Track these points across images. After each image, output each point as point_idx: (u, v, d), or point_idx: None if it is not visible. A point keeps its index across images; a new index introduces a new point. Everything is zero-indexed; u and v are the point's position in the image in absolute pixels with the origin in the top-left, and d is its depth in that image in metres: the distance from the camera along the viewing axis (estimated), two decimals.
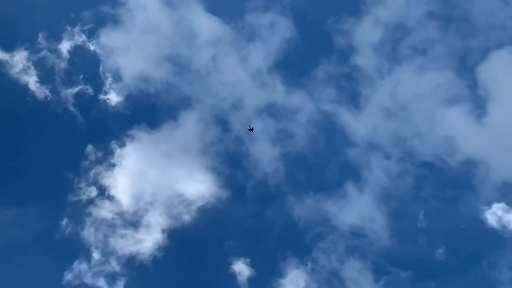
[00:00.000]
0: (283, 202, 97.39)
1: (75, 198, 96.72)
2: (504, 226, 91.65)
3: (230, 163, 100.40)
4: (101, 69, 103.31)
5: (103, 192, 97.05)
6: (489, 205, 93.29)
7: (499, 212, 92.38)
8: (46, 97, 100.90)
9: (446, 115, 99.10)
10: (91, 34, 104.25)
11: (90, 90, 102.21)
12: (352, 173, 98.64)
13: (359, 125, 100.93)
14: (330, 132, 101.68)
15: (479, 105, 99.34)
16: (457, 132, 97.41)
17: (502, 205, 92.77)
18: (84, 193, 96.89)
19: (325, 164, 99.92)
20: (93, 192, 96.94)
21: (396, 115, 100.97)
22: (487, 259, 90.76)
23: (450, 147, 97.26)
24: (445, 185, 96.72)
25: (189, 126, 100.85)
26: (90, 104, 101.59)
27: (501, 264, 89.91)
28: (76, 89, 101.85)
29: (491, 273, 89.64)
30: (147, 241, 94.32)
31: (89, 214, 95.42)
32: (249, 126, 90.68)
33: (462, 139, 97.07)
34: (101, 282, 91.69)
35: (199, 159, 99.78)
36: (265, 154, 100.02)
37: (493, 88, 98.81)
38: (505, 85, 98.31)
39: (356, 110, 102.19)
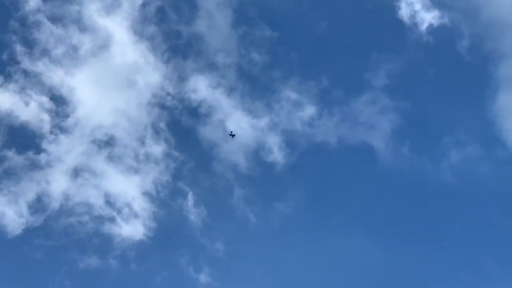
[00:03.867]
0: None
1: None
2: (415, 25, 75.71)
3: None
4: None
5: None
6: None
7: (417, 6, 75.05)
8: None
9: None
10: None
11: None
12: None
13: None
14: None
15: None
16: None
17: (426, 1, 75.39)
18: None
19: None
20: None
21: None
22: (372, 55, 78.43)
23: None
24: None
25: None
26: None
27: (382, 68, 77.44)
28: None
29: (367, 76, 77.96)
30: None
31: None
32: (231, 132, 79.43)
33: None
34: None
35: None
36: None
37: None
38: None
39: None
